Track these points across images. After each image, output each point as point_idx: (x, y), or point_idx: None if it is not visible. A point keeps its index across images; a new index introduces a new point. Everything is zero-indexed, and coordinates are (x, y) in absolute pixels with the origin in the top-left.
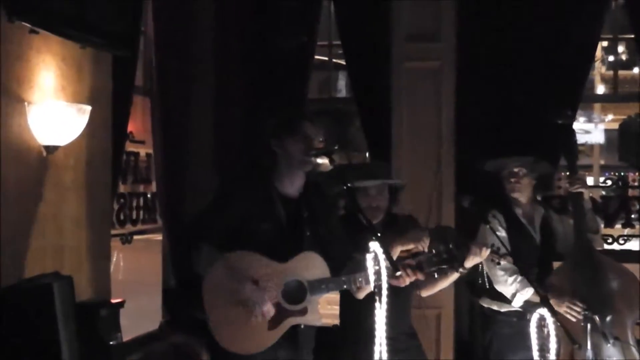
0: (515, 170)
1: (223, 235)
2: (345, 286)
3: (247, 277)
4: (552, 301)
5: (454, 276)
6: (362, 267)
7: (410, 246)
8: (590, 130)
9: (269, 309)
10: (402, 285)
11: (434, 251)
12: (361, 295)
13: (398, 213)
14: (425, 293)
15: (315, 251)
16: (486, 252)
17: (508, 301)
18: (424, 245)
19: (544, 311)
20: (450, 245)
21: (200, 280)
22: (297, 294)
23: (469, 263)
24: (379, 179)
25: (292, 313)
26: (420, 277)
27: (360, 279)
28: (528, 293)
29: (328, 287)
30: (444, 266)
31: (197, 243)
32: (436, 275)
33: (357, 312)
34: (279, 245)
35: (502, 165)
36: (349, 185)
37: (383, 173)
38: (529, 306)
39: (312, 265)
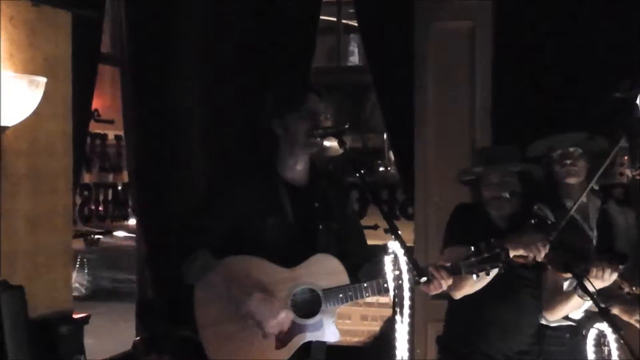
0: (571, 150)
1: (221, 237)
2: (367, 294)
3: (250, 286)
4: (614, 313)
5: (578, 302)
6: (383, 269)
7: (519, 252)
8: None
9: (282, 324)
10: (434, 292)
11: (472, 249)
12: (458, 294)
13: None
14: (550, 316)
15: (329, 252)
16: (612, 276)
17: None
18: (536, 255)
19: (603, 326)
20: (492, 240)
21: (189, 291)
22: (310, 305)
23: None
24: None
25: (304, 328)
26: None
27: (385, 285)
28: (588, 303)
29: (347, 295)
30: (485, 265)
31: (192, 248)
32: (475, 278)
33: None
34: (287, 245)
35: (550, 145)
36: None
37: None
38: (584, 319)
39: (327, 270)
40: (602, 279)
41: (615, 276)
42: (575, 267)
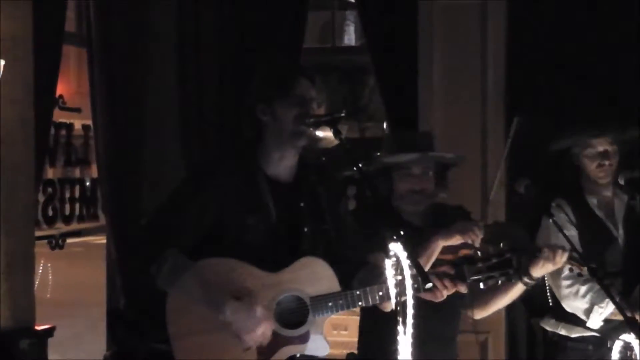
0: (609, 149)
1: (194, 236)
2: (360, 303)
3: (227, 293)
4: None
5: (517, 289)
6: (380, 276)
7: (455, 240)
8: None
9: (264, 335)
10: (438, 299)
11: (479, 254)
12: (389, 307)
13: (446, 203)
14: (479, 314)
15: (317, 255)
16: (563, 258)
17: (581, 323)
18: (474, 239)
19: (630, 337)
20: (502, 245)
21: (162, 298)
22: (295, 314)
23: (539, 271)
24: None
25: (289, 340)
26: (463, 289)
27: (380, 293)
28: (609, 309)
29: (337, 304)
30: (494, 274)
31: (160, 249)
32: (482, 286)
33: (381, 336)
34: (270, 247)
35: (580, 142)
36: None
37: (430, 145)
38: (609, 329)
39: (315, 276)
40: (554, 261)
41: (565, 257)
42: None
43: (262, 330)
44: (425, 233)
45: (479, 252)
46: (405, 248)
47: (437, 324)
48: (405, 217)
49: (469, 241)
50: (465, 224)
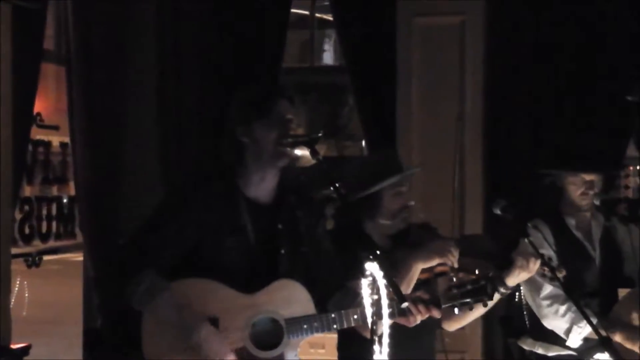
0: (594, 179)
1: (172, 257)
2: (335, 326)
3: (202, 314)
4: (617, 341)
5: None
6: (356, 300)
7: (435, 262)
8: None
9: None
10: (412, 324)
11: (454, 279)
12: (369, 333)
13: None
14: (452, 326)
15: (294, 278)
16: (536, 265)
17: (558, 342)
18: (452, 260)
19: (605, 356)
20: (477, 272)
21: (139, 318)
22: (270, 336)
23: (514, 280)
24: (407, 170)
25: None
26: (436, 314)
27: (355, 317)
28: (587, 328)
29: (312, 327)
30: (468, 300)
31: (137, 269)
32: (456, 311)
33: (359, 355)
34: (246, 269)
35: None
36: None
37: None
38: (586, 349)
39: (290, 298)
40: (528, 269)
41: (538, 264)
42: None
43: (231, 357)
44: (399, 254)
45: (454, 270)
46: (382, 267)
47: (411, 343)
48: (376, 239)
49: (447, 262)
50: (441, 245)
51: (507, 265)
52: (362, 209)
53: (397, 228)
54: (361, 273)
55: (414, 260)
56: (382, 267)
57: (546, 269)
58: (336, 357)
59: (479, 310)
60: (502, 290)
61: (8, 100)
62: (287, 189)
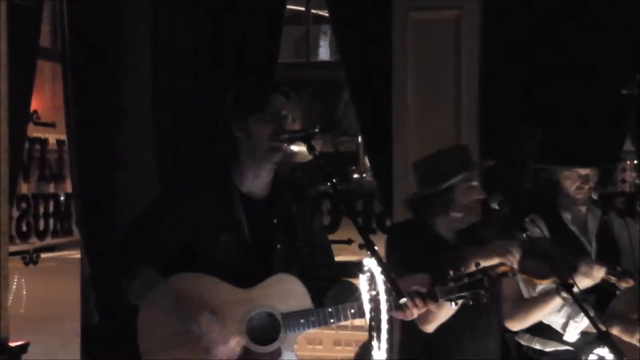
0: (590, 173)
1: (167, 253)
2: (332, 320)
3: (198, 308)
4: (615, 335)
5: (555, 302)
6: (353, 294)
7: (494, 261)
8: None
9: (233, 351)
10: (408, 318)
11: (451, 273)
12: (429, 327)
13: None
14: (516, 326)
15: (290, 271)
16: (600, 273)
17: (555, 337)
18: (512, 261)
19: (603, 351)
20: (475, 265)
21: (135, 314)
22: (267, 330)
23: (580, 285)
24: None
25: (261, 357)
26: (433, 308)
27: (352, 311)
28: (584, 323)
29: (309, 321)
30: (465, 294)
31: (132, 264)
32: (453, 305)
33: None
34: (242, 264)
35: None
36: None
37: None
38: (584, 343)
39: (287, 292)
40: (592, 277)
41: (603, 272)
42: (558, 269)
43: (232, 346)
44: (460, 251)
45: (515, 271)
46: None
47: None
48: (445, 234)
49: (507, 263)
50: (502, 244)
51: (571, 271)
52: (435, 204)
53: (468, 222)
54: (359, 269)
55: (472, 257)
56: (380, 262)
57: (612, 278)
58: (334, 354)
59: (545, 311)
60: (564, 295)
61: (4, 98)
62: (281, 184)
